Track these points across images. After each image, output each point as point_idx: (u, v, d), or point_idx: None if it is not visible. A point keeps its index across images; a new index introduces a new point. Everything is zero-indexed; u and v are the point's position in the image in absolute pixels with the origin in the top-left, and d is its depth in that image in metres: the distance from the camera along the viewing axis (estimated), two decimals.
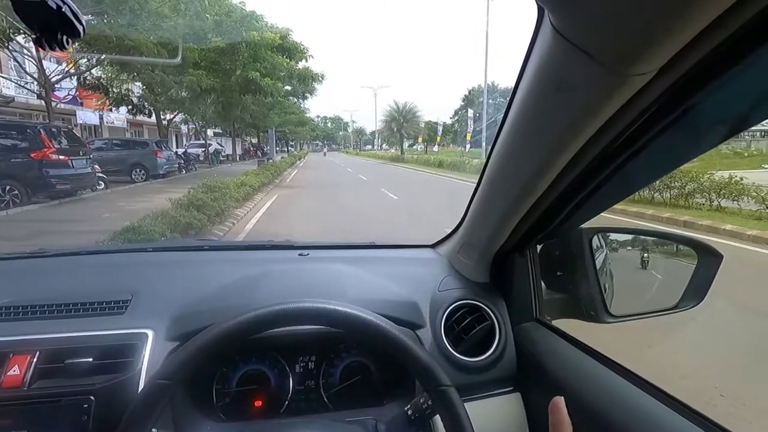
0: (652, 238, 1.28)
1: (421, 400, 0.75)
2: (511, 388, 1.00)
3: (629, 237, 1.32)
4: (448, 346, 0.98)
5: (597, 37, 0.46)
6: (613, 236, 1.29)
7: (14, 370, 0.81)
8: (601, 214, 0.86)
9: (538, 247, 1.08)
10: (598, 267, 1.12)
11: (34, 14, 0.47)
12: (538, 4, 0.48)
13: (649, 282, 1.21)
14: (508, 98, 0.70)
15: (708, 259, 1.03)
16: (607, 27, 0.44)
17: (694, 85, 0.48)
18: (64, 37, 0.50)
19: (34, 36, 0.49)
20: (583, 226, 1.03)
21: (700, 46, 0.43)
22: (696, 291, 1.02)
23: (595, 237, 1.13)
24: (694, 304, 1.02)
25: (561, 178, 0.72)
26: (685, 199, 9.06)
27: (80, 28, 0.51)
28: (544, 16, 0.50)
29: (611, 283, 1.17)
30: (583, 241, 1.07)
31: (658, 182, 9.05)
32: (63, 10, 0.48)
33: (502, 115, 0.74)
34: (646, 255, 1.25)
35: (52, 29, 0.49)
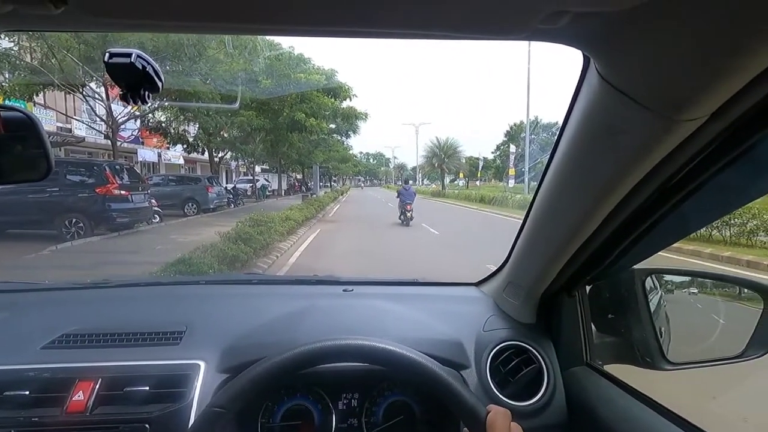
0: (711, 281, 1.21)
1: None
2: None
3: (686, 278, 1.26)
4: (494, 389, 0.96)
5: (645, 85, 0.47)
6: (668, 277, 1.24)
7: (79, 396, 0.86)
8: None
9: (588, 288, 1.05)
10: (652, 310, 1.07)
11: (123, 74, 0.54)
12: (583, 54, 0.49)
13: (711, 328, 1.13)
14: (551, 133, 0.71)
15: None
16: (655, 75, 0.45)
17: (750, 129, 0.47)
18: (146, 93, 0.57)
19: (121, 92, 0.56)
20: (635, 266, 0.99)
21: (753, 91, 0.43)
22: (763, 339, 0.95)
23: (649, 278, 1.09)
24: (762, 354, 0.95)
25: (610, 219, 0.72)
26: (747, 237, 8.47)
27: (159, 84, 0.57)
28: (590, 64, 0.51)
29: (668, 327, 1.11)
30: (635, 283, 1.04)
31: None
32: (147, 69, 0.55)
33: (549, 155, 0.75)
34: (705, 298, 1.18)
35: (137, 86, 0.55)
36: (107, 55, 0.52)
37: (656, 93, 0.46)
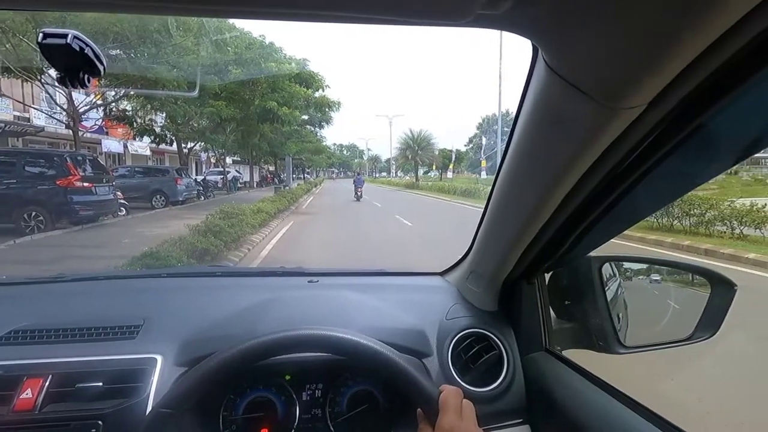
0: (666, 267, 1.26)
1: None
2: (521, 420, 0.98)
3: (643, 266, 1.30)
4: (455, 376, 0.97)
5: (587, 74, 0.47)
6: (627, 265, 1.28)
7: (27, 394, 0.83)
8: (619, 241, 0.85)
9: (547, 276, 1.08)
10: (611, 296, 1.10)
11: (59, 56, 0.51)
12: (532, 44, 0.50)
13: (664, 312, 1.18)
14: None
15: (722, 289, 1.01)
16: (596, 64, 0.45)
17: (686, 117, 0.49)
18: (86, 76, 0.54)
19: (58, 75, 0.53)
20: (592, 254, 1.02)
21: (689, 78, 0.44)
22: (710, 322, 1.00)
23: (607, 265, 1.12)
24: (709, 336, 0.99)
25: (563, 206, 0.73)
26: (705, 226, 8.87)
27: (101, 68, 0.55)
28: (539, 54, 0.52)
29: (625, 313, 1.15)
30: (592, 270, 1.07)
31: (676, 210, 8.90)
32: (86, 51, 0.52)
33: (504, 146, 0.76)
34: (660, 284, 1.23)
35: (75, 69, 0.53)
36: (41, 35, 0.49)
37: (597, 82, 0.47)
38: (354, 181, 23.01)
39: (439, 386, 0.70)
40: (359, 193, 21.69)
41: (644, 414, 0.76)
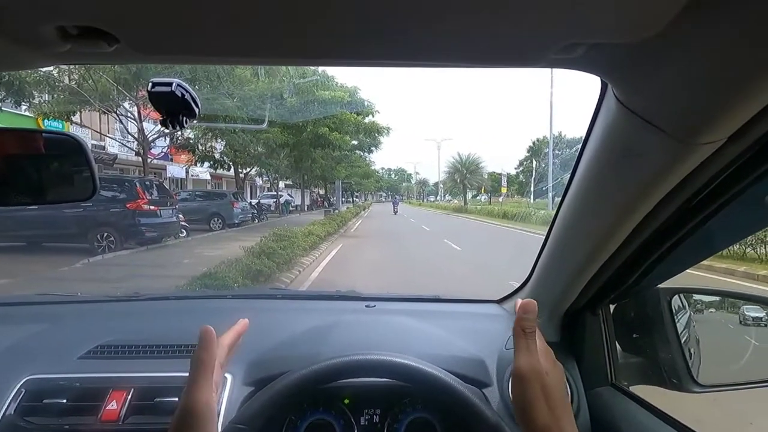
0: (742, 301, 1.18)
1: None
2: None
3: (716, 298, 1.23)
4: None
5: (662, 109, 0.47)
6: (697, 297, 1.21)
7: (112, 405, 0.90)
8: (687, 271, 0.82)
9: (612, 307, 1.04)
10: (681, 330, 1.04)
11: (163, 102, 0.58)
12: (601, 80, 0.51)
13: (742, 349, 1.10)
14: (574, 149, 0.72)
15: None
16: (672, 100, 0.45)
17: None
18: (184, 118, 0.61)
19: (161, 119, 0.60)
20: (661, 285, 0.98)
21: None
22: None
23: (676, 297, 1.07)
24: None
25: (632, 238, 0.72)
26: None
27: (196, 110, 0.61)
28: (608, 88, 0.52)
29: (697, 349, 1.09)
30: (661, 302, 1.02)
31: (751, 237, 8.22)
32: (185, 97, 0.59)
33: (570, 175, 0.76)
34: (737, 319, 1.15)
35: (176, 113, 0.59)
36: (150, 84, 0.56)
37: (673, 117, 0.47)
38: (393, 202, 41.43)
39: (508, 425, 0.69)
40: (396, 210, 35.83)
41: None
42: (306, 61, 0.50)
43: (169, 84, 0.56)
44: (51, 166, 0.64)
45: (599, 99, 0.56)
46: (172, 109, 0.59)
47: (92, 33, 0.40)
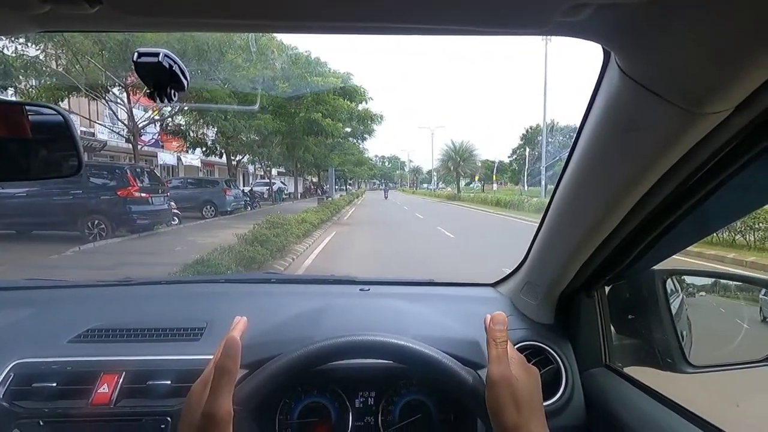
0: (735, 283, 1.19)
1: None
2: None
3: (708, 281, 1.23)
4: None
5: (667, 78, 0.46)
6: (690, 280, 1.21)
7: (104, 388, 0.89)
8: (676, 256, 0.82)
9: (607, 289, 1.04)
10: (674, 312, 1.05)
11: (150, 73, 0.56)
12: (603, 49, 0.49)
13: (734, 331, 1.11)
14: (567, 137, 0.71)
15: None
16: (678, 68, 0.44)
17: None
18: (172, 91, 0.58)
19: (149, 91, 0.57)
20: (655, 267, 0.98)
21: None
22: None
23: (670, 279, 1.07)
24: None
25: (630, 218, 0.71)
26: None
27: (185, 83, 0.59)
28: (611, 58, 0.51)
29: (689, 330, 1.09)
30: (656, 284, 1.02)
31: (740, 223, 8.32)
32: (173, 68, 0.56)
33: (567, 155, 0.74)
34: (729, 301, 1.16)
35: (163, 85, 0.57)
36: (136, 54, 0.54)
37: (678, 86, 0.46)
38: (384, 189, 46.87)
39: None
40: (386, 195, 40.80)
41: None
42: (297, 27, 0.48)
43: (156, 54, 0.54)
44: (34, 141, 0.61)
45: (601, 70, 0.54)
46: (160, 81, 0.57)
47: None
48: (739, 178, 0.55)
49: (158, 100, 0.58)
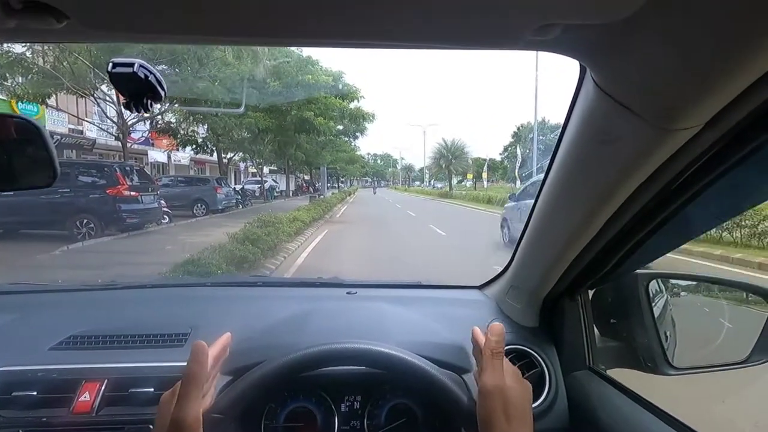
0: (717, 285, 1.20)
1: None
2: None
3: (692, 283, 1.25)
4: None
5: (639, 94, 0.47)
6: (673, 281, 1.23)
7: (85, 396, 0.88)
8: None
9: (591, 293, 1.05)
10: (657, 314, 1.06)
11: (126, 83, 0.55)
12: (580, 63, 0.50)
13: (716, 332, 1.12)
14: (555, 134, 0.72)
15: None
16: (649, 84, 0.45)
17: (745, 137, 0.47)
18: (149, 101, 0.58)
19: (124, 101, 0.57)
20: (639, 271, 0.99)
21: (750, 99, 0.43)
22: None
23: (653, 282, 1.08)
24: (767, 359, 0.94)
25: (611, 224, 0.72)
26: (758, 239, 8.35)
27: (162, 93, 0.58)
28: (586, 72, 0.51)
29: (673, 332, 1.11)
30: (638, 287, 1.03)
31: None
32: (149, 78, 0.56)
33: (548, 161, 0.75)
34: (711, 303, 1.17)
35: (140, 95, 0.56)
36: (110, 65, 0.53)
37: (650, 102, 0.46)
38: (373, 186, 49.82)
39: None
40: (375, 192, 42.78)
41: None
42: (275, 42, 0.48)
43: (131, 65, 0.53)
44: (6, 153, 0.60)
45: (578, 83, 0.55)
46: (136, 91, 0.56)
47: (38, 7, 0.37)
48: (715, 187, 0.56)
49: (135, 110, 0.58)
